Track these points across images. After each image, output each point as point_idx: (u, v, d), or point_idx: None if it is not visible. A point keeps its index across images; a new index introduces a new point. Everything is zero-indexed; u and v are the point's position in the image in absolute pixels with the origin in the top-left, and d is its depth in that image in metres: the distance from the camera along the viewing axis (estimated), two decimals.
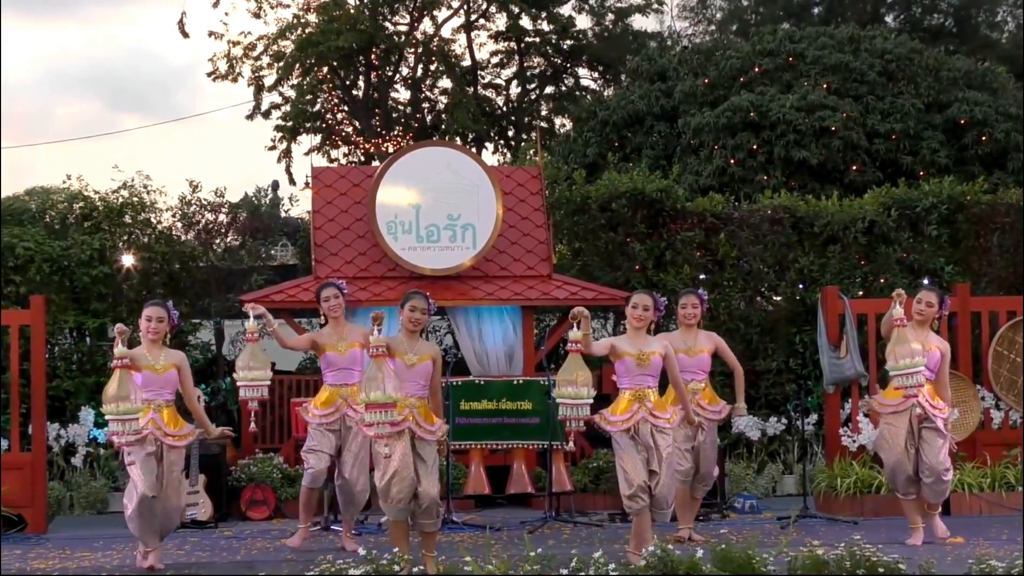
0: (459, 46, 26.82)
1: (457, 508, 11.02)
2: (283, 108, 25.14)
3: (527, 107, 27.30)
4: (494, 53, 27.26)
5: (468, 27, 26.79)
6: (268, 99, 25.29)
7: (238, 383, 9.17)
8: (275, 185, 26.43)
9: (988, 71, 19.95)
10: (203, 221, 14.50)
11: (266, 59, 25.01)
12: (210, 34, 25.06)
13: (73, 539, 10.33)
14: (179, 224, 14.42)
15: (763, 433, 12.98)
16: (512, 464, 11.71)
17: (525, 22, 26.48)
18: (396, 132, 25.66)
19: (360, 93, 26.05)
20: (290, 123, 24.95)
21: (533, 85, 27.51)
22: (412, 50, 25.95)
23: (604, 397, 10.26)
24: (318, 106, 25.59)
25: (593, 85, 27.46)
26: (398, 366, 8.07)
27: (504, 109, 27.33)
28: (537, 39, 26.76)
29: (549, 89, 27.48)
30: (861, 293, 13.56)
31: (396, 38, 25.68)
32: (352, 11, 24.66)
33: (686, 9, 28.25)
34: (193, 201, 14.44)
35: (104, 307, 13.49)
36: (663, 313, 8.95)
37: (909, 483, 9.26)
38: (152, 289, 13.50)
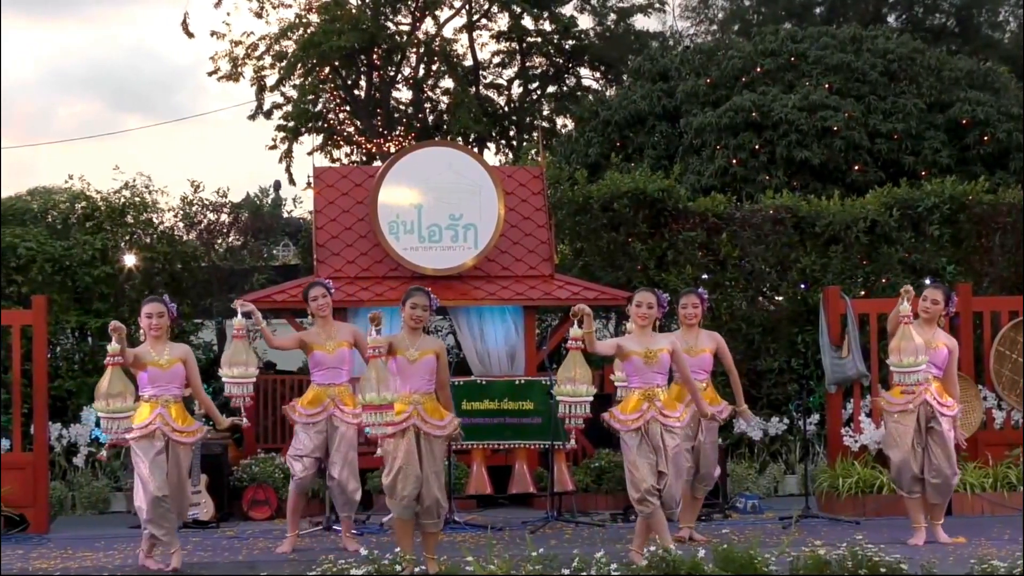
0: (461, 46, 26.83)
1: (459, 508, 11.03)
2: (285, 108, 25.15)
3: (529, 107, 27.29)
4: (496, 53, 27.25)
5: (470, 27, 26.78)
6: (270, 99, 25.34)
7: (223, 380, 9.15)
8: (277, 185, 26.42)
9: (990, 71, 19.95)
10: (205, 221, 14.53)
11: (268, 59, 25.03)
12: (212, 34, 25.10)
13: (75, 539, 10.34)
14: (181, 224, 14.45)
15: (765, 433, 13.00)
16: (514, 464, 11.72)
17: (527, 22, 26.47)
18: (398, 132, 25.65)
19: (362, 93, 26.05)
20: (291, 123, 24.95)
21: (535, 85, 27.48)
22: (414, 50, 25.94)
23: (605, 397, 10.25)
24: (320, 106, 25.59)
25: (595, 85, 27.45)
26: (400, 363, 8.06)
27: (506, 109, 27.32)
28: (539, 39, 26.74)
29: (551, 89, 27.45)
30: (863, 293, 13.57)
31: (398, 38, 25.67)
32: (354, 11, 24.66)
33: (688, 9, 28.26)
34: (195, 201, 14.47)
35: (106, 307, 13.50)
36: (667, 310, 8.95)
37: (914, 482, 9.25)
38: (154, 289, 13.49)
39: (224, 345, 14.15)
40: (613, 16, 27.28)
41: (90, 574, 8.69)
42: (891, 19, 26.12)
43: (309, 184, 20.81)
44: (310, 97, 24.86)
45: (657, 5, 27.34)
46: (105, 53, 55.46)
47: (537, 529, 10.25)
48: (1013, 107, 19.12)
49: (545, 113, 27.40)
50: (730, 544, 7.23)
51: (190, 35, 24.78)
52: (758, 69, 19.50)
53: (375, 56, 25.48)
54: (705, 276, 13.78)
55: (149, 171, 14.38)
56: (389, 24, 25.73)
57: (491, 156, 26.19)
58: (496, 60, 27.30)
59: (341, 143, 25.95)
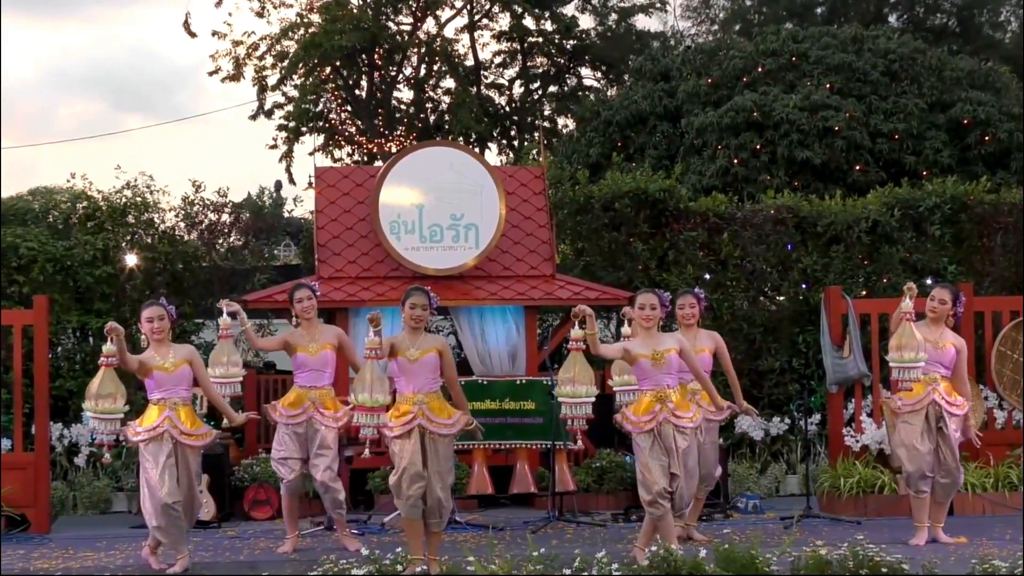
0: (462, 46, 26.86)
1: (460, 508, 11.02)
2: (286, 108, 25.16)
3: (530, 107, 27.30)
4: (497, 53, 27.27)
5: (471, 27, 26.80)
6: (271, 98, 25.36)
7: (211, 379, 9.11)
8: (278, 185, 26.43)
9: (991, 71, 19.95)
10: (206, 221, 14.53)
11: (269, 59, 25.05)
12: (214, 34, 25.11)
13: (76, 539, 10.34)
14: (182, 224, 14.44)
15: (766, 433, 13.00)
16: (515, 464, 11.73)
17: (528, 22, 26.50)
18: (399, 132, 25.67)
19: (363, 93, 26.07)
20: (293, 123, 24.96)
21: (536, 85, 27.50)
22: (415, 50, 25.96)
23: (607, 398, 10.25)
24: (321, 106, 25.60)
25: (596, 85, 27.47)
26: (402, 363, 8.04)
27: (507, 109, 27.33)
28: (540, 39, 26.77)
29: (552, 89, 27.48)
30: (864, 293, 13.57)
31: (399, 38, 25.69)
32: (355, 11, 24.68)
33: (689, 9, 28.29)
34: (196, 201, 14.47)
35: (107, 307, 13.50)
36: (669, 309, 8.94)
37: (925, 481, 9.22)
38: (155, 289, 13.50)
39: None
40: (614, 16, 27.30)
41: (91, 574, 8.69)
42: (892, 19, 26.13)
43: (310, 184, 20.84)
44: (311, 97, 24.88)
45: (658, 5, 27.37)
46: (106, 53, 55.53)
47: (538, 529, 10.25)
48: (1014, 107, 19.12)
49: (546, 113, 27.43)
50: (731, 544, 7.23)
51: (192, 35, 24.83)
52: (759, 69, 19.50)
53: (376, 56, 25.50)
54: (706, 276, 13.78)
55: (150, 171, 14.38)
56: (390, 24, 25.76)
57: (492, 156, 26.24)
58: (497, 60, 27.34)
59: (342, 143, 25.98)
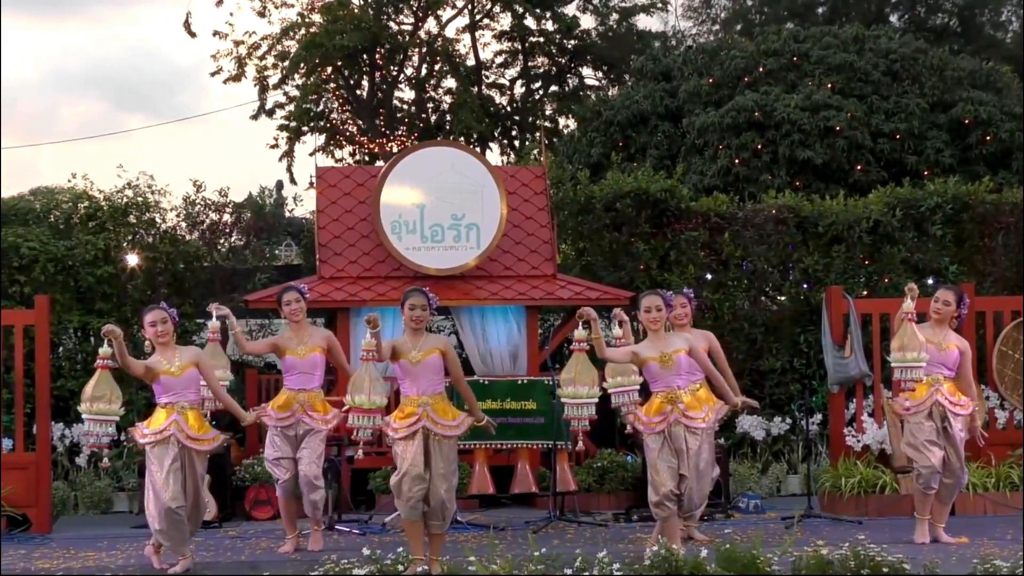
0: (463, 46, 26.85)
1: (462, 508, 11.01)
2: (287, 108, 25.15)
3: (531, 107, 27.29)
4: (498, 53, 27.26)
5: (472, 27, 26.79)
6: (272, 98, 25.34)
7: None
8: (279, 185, 26.44)
9: (992, 71, 19.94)
10: (207, 221, 14.52)
11: (270, 59, 25.04)
12: (215, 34, 25.10)
13: (77, 539, 10.34)
14: (183, 224, 14.44)
15: (767, 433, 13.00)
16: (516, 464, 11.73)
17: (529, 22, 26.48)
18: (400, 132, 25.67)
19: (364, 93, 26.06)
20: (294, 123, 24.96)
21: (537, 85, 27.50)
22: (416, 50, 25.95)
23: (607, 398, 10.23)
24: (322, 106, 25.60)
25: (597, 85, 27.46)
26: (404, 366, 8.03)
27: (508, 109, 27.32)
28: (541, 39, 26.75)
29: (553, 89, 27.46)
30: (865, 293, 13.56)
31: (400, 38, 25.68)
32: (356, 11, 24.67)
33: (690, 9, 28.27)
34: (197, 201, 14.46)
35: (109, 307, 13.50)
36: (673, 309, 8.93)
37: (935, 477, 9.19)
38: (156, 289, 13.51)
39: (225, 345, 14.13)
40: (615, 16, 27.28)
41: (92, 574, 8.69)
42: (893, 19, 26.11)
43: (311, 184, 20.83)
44: (312, 97, 24.88)
45: (659, 5, 27.35)
46: (107, 53, 55.44)
47: (539, 529, 10.24)
48: (1015, 107, 19.10)
49: (547, 113, 27.41)
50: (732, 544, 7.22)
51: (192, 35, 24.81)
52: (760, 69, 19.49)
53: (377, 56, 25.49)
54: (708, 276, 13.77)
55: (152, 171, 14.38)
56: (391, 24, 25.75)
57: (493, 156, 26.23)
58: (498, 60, 27.33)
59: (343, 143, 25.97)
